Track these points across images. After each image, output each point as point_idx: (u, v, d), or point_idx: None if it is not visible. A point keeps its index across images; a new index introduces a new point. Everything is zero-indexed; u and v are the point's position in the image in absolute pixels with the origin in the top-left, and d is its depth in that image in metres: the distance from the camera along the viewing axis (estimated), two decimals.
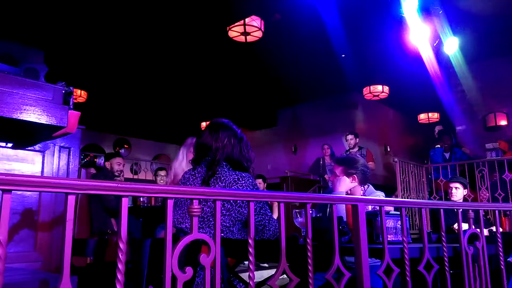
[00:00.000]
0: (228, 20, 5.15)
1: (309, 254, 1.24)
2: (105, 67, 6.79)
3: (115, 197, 2.15)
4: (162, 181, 5.66)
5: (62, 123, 2.96)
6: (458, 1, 5.43)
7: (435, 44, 5.57)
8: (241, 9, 5.02)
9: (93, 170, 5.65)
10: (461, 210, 1.73)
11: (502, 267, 1.78)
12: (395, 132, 10.07)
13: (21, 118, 2.74)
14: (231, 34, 5.30)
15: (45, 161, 3.42)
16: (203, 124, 9.65)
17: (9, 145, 3.25)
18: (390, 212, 1.93)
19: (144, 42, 5.95)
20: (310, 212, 2.30)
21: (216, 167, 1.82)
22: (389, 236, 1.84)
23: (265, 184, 6.50)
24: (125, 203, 0.92)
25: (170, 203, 1.00)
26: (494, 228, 2.11)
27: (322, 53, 6.57)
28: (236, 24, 5.14)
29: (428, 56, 5.87)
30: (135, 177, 9.50)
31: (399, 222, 1.91)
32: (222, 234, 1.74)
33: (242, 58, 6.65)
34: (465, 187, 3.86)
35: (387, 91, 7.66)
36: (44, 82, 3.16)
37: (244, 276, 2.06)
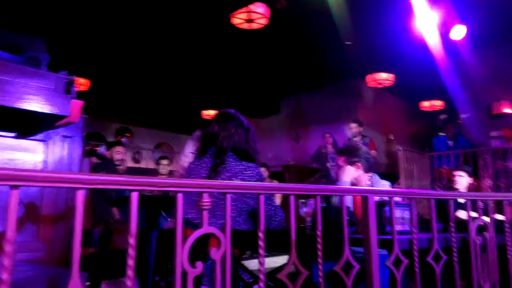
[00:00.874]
0: (232, 6, 5.07)
1: (319, 246, 1.23)
2: (107, 56, 6.73)
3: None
4: (164, 170, 5.66)
5: (64, 112, 2.93)
6: None
7: (442, 31, 5.48)
8: None
9: (94, 159, 5.65)
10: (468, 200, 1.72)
11: (509, 256, 1.77)
12: (397, 120, 10.02)
13: (24, 108, 2.72)
14: (235, 21, 5.21)
15: (47, 150, 3.41)
16: (205, 112, 9.62)
17: (12, 134, 3.24)
18: (397, 202, 1.91)
19: (146, 29, 5.88)
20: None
21: (224, 155, 1.81)
22: (396, 226, 1.83)
23: (269, 172, 6.49)
24: (135, 198, 0.91)
25: (180, 197, 0.98)
26: (496, 217, 2.10)
27: (327, 40, 6.49)
28: (240, 10, 5.05)
29: (434, 43, 5.79)
30: (137, 165, 9.50)
31: (406, 212, 1.89)
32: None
33: (246, 46, 6.58)
34: (470, 176, 3.83)
35: (391, 79, 7.58)
36: (46, 71, 3.12)
37: (246, 264, 2.06)
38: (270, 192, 1.19)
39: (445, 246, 1.61)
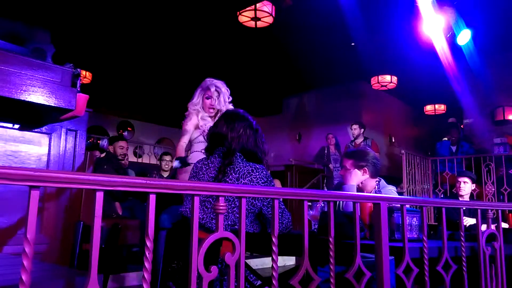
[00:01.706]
0: (239, 4, 5.05)
1: (331, 253, 1.22)
2: (111, 49, 6.70)
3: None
4: (167, 166, 5.64)
5: (70, 106, 2.91)
6: None
7: (448, 35, 5.47)
8: None
9: (97, 153, 5.63)
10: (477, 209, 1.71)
11: None
12: (400, 123, 10.01)
13: (29, 100, 2.70)
14: (241, 19, 5.20)
15: (51, 143, 3.39)
16: None
17: (16, 126, 3.22)
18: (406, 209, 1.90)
19: (151, 24, 5.85)
20: (322, 205, 2.28)
21: (232, 156, 1.80)
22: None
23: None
24: (153, 200, 0.89)
25: (196, 200, 0.97)
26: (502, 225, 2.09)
27: (332, 41, 6.47)
28: (247, 9, 5.04)
29: (440, 47, 5.77)
30: (139, 160, 9.49)
31: (414, 219, 1.88)
32: (236, 227, 1.72)
33: (251, 44, 6.56)
34: (473, 182, 3.83)
35: (395, 82, 7.57)
36: (52, 64, 3.09)
37: (248, 262, 2.05)
38: (285, 197, 1.18)
39: (454, 255, 1.60)
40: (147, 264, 0.86)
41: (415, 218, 1.86)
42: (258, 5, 4.99)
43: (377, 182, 2.45)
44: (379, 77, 7.55)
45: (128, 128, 11.09)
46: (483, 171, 5.75)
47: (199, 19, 5.74)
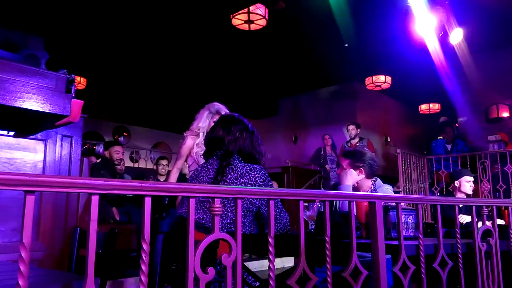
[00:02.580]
0: (232, 7, 5.07)
1: (327, 252, 1.22)
2: (105, 54, 6.69)
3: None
4: (164, 170, 5.63)
5: (65, 112, 2.91)
6: None
7: (440, 35, 5.51)
8: None
9: (93, 159, 5.62)
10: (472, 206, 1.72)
11: None
12: (395, 123, 10.06)
13: (24, 107, 2.70)
14: (235, 22, 5.22)
15: (47, 150, 3.38)
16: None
17: (11, 133, 3.21)
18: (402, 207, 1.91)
19: (145, 28, 5.86)
20: (319, 205, 2.29)
21: (230, 158, 1.83)
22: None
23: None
24: (148, 203, 0.90)
25: (192, 202, 0.97)
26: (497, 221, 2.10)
27: (325, 43, 6.50)
28: (240, 12, 5.06)
29: (432, 47, 5.82)
30: (135, 165, 9.46)
31: (410, 217, 1.90)
32: (234, 228, 1.73)
33: (245, 47, 6.58)
34: (474, 181, 3.88)
35: (390, 82, 7.61)
36: (46, 70, 3.09)
37: (247, 264, 2.05)
38: (280, 197, 1.18)
39: (450, 252, 1.61)
40: (144, 267, 0.86)
41: (411, 216, 1.87)
42: (251, 8, 5.02)
43: (373, 182, 2.47)
44: (373, 77, 7.59)
45: (124, 133, 11.07)
46: (479, 169, 5.79)
47: (193, 23, 5.75)
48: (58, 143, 3.42)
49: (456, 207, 1.62)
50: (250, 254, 1.68)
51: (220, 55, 6.91)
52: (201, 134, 3.07)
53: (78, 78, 7.05)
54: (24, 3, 4.93)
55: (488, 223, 1.79)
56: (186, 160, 3.16)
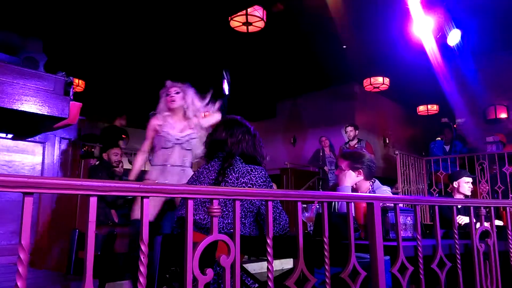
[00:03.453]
0: (230, 9, 5.08)
1: (326, 253, 1.22)
2: (103, 57, 6.69)
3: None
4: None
5: (63, 114, 2.91)
6: None
7: (438, 36, 5.53)
8: None
9: (92, 161, 5.62)
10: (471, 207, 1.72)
11: None
12: (394, 124, 10.08)
13: (22, 109, 2.70)
14: (233, 24, 5.23)
15: (45, 152, 3.38)
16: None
17: (9, 136, 3.20)
18: (400, 208, 1.92)
19: (143, 30, 5.86)
20: (317, 206, 2.29)
21: (232, 159, 1.85)
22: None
23: None
24: (146, 204, 0.90)
25: (190, 203, 0.97)
26: (495, 222, 2.11)
27: (323, 44, 6.52)
28: (238, 14, 5.07)
29: (430, 48, 5.84)
30: None
31: (408, 218, 1.90)
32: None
33: (243, 48, 6.59)
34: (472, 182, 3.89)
35: (388, 83, 7.64)
36: (44, 72, 3.09)
37: (246, 266, 2.05)
38: (278, 198, 1.19)
39: (448, 253, 1.62)
40: (142, 268, 0.86)
41: (409, 217, 1.88)
42: (249, 10, 5.03)
43: (371, 183, 2.47)
44: (371, 78, 7.61)
45: (123, 136, 11.04)
46: (477, 170, 5.79)
47: (191, 25, 5.76)
48: (57, 146, 3.42)
49: (454, 208, 1.62)
50: (249, 255, 1.69)
51: (218, 57, 6.91)
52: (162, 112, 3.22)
53: (76, 80, 7.05)
54: (23, 6, 4.94)
55: (487, 224, 1.80)
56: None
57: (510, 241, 1.75)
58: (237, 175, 1.80)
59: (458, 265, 1.56)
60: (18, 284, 0.69)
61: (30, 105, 2.73)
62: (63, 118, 2.89)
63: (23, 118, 2.82)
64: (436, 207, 1.59)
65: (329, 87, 8.99)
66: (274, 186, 6.71)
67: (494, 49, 6.92)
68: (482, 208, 1.70)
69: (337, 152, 7.53)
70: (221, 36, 6.05)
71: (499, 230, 1.89)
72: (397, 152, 6.05)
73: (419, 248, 1.46)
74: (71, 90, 2.96)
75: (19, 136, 3.21)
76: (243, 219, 1.77)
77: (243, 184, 1.77)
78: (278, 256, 1.66)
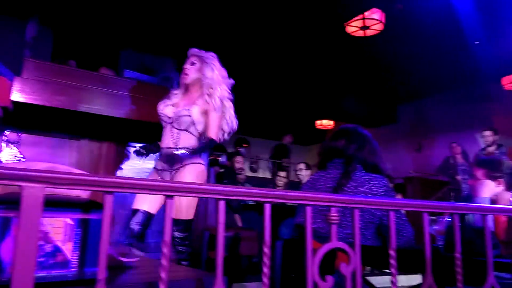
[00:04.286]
0: (346, 15, 5.02)
1: (458, 270, 1.12)
2: (228, 70, 7.20)
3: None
4: (281, 182, 5.78)
5: None
6: None
7: None
8: (361, 2, 4.84)
9: (218, 168, 6.07)
10: None
11: None
12: None
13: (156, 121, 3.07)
14: (349, 29, 5.14)
15: None
16: (318, 122, 9.60)
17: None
18: None
19: (261, 43, 6.15)
20: (448, 219, 2.10)
21: (352, 172, 1.81)
22: None
23: (393, 184, 6.19)
24: (268, 209, 0.95)
25: (308, 210, 1.00)
26: None
27: (450, 42, 5.96)
28: (354, 18, 4.98)
29: None
30: (254, 175, 9.90)
31: None
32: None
33: (360, 53, 6.42)
34: None
35: None
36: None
37: (369, 279, 1.98)
38: (400, 208, 1.13)
39: None
40: (265, 270, 0.91)
41: None
42: (366, 13, 4.89)
43: None
44: None
45: (244, 145, 11.69)
46: None
47: (308, 34, 5.84)
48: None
49: None
50: (372, 267, 1.62)
51: (336, 63, 6.86)
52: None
53: None
54: (156, 31, 5.63)
55: None
56: None
57: None
58: (355, 184, 1.75)
59: None
60: (162, 275, 0.79)
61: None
62: None
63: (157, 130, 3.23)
64: None
65: (459, 88, 8.14)
66: (400, 196, 6.33)
67: None
68: None
69: (472, 160, 6.76)
70: (337, 42, 6.00)
71: None
72: None
73: None
74: None
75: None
76: (363, 230, 1.71)
77: (362, 194, 1.72)
78: (402, 270, 1.57)
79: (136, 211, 2.42)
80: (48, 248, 0.83)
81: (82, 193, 0.89)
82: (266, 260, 0.91)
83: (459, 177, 6.85)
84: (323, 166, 1.95)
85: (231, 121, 2.68)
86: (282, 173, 5.88)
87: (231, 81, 2.74)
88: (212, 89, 2.55)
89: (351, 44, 5.86)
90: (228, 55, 6.47)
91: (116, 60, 5.26)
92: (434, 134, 8.74)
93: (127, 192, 0.77)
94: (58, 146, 3.45)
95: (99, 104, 3.27)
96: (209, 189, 0.88)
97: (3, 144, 2.34)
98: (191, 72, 2.60)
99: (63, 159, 3.38)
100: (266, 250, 0.92)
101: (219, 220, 0.89)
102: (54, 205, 0.82)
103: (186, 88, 2.65)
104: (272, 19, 5.45)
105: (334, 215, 1.02)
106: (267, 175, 9.51)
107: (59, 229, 0.84)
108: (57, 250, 0.85)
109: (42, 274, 0.82)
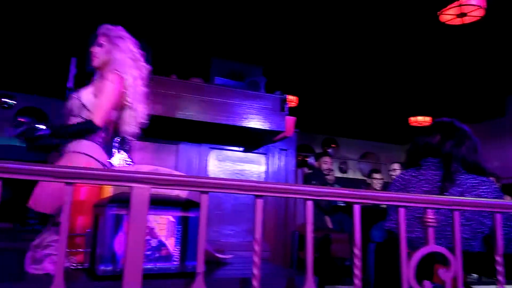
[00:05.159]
0: (440, 3, 4.67)
1: None
2: (314, 73, 7.18)
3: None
4: (379, 184, 5.55)
5: (281, 128, 3.30)
6: None
7: None
8: None
9: (306, 169, 6.07)
10: None
11: None
12: None
13: (249, 126, 3.19)
14: (444, 18, 4.77)
15: (268, 162, 3.90)
16: (412, 119, 9.05)
17: (241, 149, 3.85)
18: None
19: (351, 39, 6.01)
20: None
21: (452, 170, 1.61)
22: None
23: (499, 184, 5.57)
24: (357, 210, 0.94)
25: (402, 211, 0.96)
26: None
27: None
28: (449, 6, 4.60)
29: None
30: (344, 176, 9.68)
31: None
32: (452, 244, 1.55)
33: (457, 43, 5.91)
34: None
35: None
36: (263, 93, 3.58)
37: None
38: (508, 210, 1.03)
39: None
40: (356, 272, 0.90)
41: None
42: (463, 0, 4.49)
43: None
44: None
45: (332, 145, 11.50)
46: None
47: (400, 26, 5.57)
48: (276, 156, 3.90)
49: None
50: (479, 274, 1.46)
51: (430, 55, 6.41)
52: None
53: (290, 97, 7.79)
54: (246, 37, 5.84)
55: None
56: None
57: None
58: (461, 189, 1.55)
59: None
60: (254, 272, 0.83)
61: (255, 122, 3.21)
62: (281, 132, 3.27)
63: (249, 133, 3.33)
64: None
65: None
66: (509, 199, 5.67)
67: None
68: None
69: None
70: (431, 33, 5.61)
71: None
72: None
73: None
74: (286, 106, 3.32)
75: (248, 149, 3.81)
76: (471, 241, 1.52)
77: None
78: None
79: None
80: (153, 242, 0.93)
81: (182, 193, 0.97)
82: (356, 262, 0.89)
83: None
84: (416, 164, 1.75)
85: (141, 112, 2.26)
86: (377, 175, 5.63)
87: (147, 65, 2.30)
88: (120, 73, 2.14)
89: (446, 33, 5.43)
90: (317, 53, 6.48)
91: (207, 68, 5.57)
92: None
93: (220, 192, 0.82)
94: (160, 151, 3.75)
95: (193, 111, 3.49)
96: (296, 189, 0.90)
97: (115, 150, 2.61)
98: (98, 54, 2.20)
99: (163, 162, 3.67)
100: (356, 251, 0.90)
101: (308, 220, 0.90)
102: (157, 203, 0.91)
103: (98, 75, 2.26)
104: (362, 14, 5.30)
105: (430, 217, 0.96)
106: (357, 175, 9.23)
107: (162, 225, 0.93)
108: (161, 244, 0.94)
109: (149, 266, 0.92)
